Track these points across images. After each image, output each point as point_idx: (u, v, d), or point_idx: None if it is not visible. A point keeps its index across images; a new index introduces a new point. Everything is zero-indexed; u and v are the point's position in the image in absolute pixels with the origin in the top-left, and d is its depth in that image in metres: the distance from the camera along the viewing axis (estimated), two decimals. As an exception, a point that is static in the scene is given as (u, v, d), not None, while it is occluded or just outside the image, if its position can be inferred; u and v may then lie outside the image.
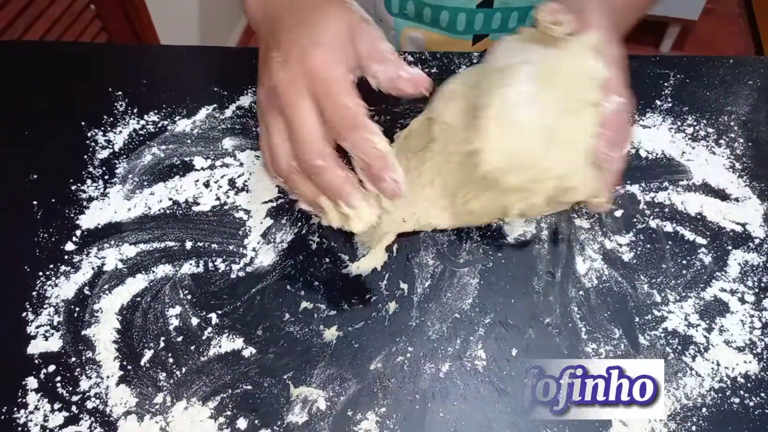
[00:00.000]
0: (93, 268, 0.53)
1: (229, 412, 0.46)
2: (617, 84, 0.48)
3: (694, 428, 0.45)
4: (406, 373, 0.48)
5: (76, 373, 0.47)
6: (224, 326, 0.50)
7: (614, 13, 0.52)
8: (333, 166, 0.43)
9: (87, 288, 0.52)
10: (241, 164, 0.60)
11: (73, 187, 0.59)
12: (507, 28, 0.75)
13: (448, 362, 0.48)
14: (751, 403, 0.46)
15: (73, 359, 0.48)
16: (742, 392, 0.47)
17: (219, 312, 0.51)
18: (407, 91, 0.45)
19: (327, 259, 0.54)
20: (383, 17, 0.78)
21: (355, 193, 0.44)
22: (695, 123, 0.64)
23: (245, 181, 0.59)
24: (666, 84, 0.68)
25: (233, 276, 0.53)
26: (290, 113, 0.43)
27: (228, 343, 0.49)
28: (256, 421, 0.45)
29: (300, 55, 0.43)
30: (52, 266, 0.53)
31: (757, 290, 0.52)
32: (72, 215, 0.57)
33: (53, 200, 0.58)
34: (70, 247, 0.54)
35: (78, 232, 0.55)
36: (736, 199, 0.58)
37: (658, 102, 0.66)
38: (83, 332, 0.49)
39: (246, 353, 0.48)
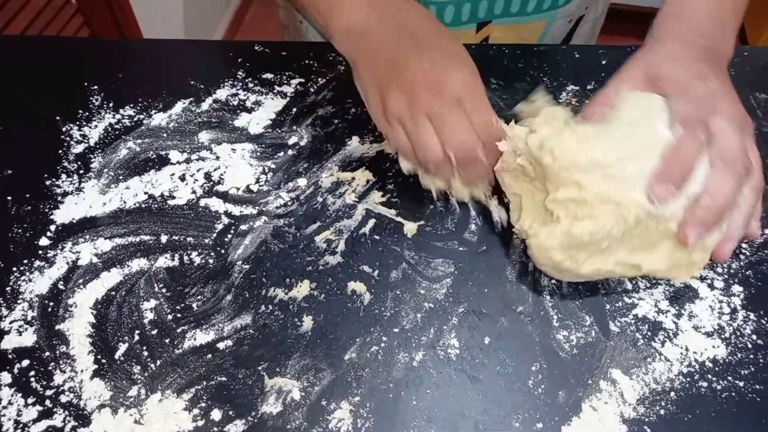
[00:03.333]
0: (67, 263, 0.53)
1: (203, 404, 0.46)
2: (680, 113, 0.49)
3: (662, 412, 0.46)
4: (380, 363, 0.48)
5: (50, 368, 0.47)
6: (199, 319, 0.50)
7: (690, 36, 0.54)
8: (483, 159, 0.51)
9: (61, 283, 0.52)
10: (218, 157, 0.61)
11: (48, 182, 0.59)
12: (509, 12, 0.75)
13: (421, 351, 0.49)
14: (719, 387, 0.47)
15: (47, 354, 0.48)
16: (710, 376, 0.48)
17: (194, 305, 0.51)
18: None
19: (303, 252, 0.54)
20: None
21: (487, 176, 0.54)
22: (668, 112, 0.64)
23: (221, 174, 0.59)
24: (640, 74, 0.68)
25: (209, 269, 0.53)
26: (446, 114, 0.49)
27: (203, 336, 0.49)
28: (231, 412, 0.45)
29: (444, 75, 0.49)
30: (26, 261, 0.53)
31: (726, 276, 0.53)
32: (46, 210, 0.57)
33: (27, 195, 0.57)
34: (44, 242, 0.54)
35: (52, 227, 0.55)
36: (708, 187, 0.58)
37: (632, 92, 0.67)
38: (57, 327, 0.49)
39: (221, 345, 0.49)
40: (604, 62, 0.70)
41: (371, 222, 0.56)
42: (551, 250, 0.48)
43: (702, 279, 0.53)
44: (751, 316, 0.51)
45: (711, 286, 0.52)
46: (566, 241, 0.48)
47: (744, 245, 0.55)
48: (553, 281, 0.52)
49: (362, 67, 0.52)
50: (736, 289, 0.52)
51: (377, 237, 0.55)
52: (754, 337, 0.50)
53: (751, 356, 0.49)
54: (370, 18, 0.53)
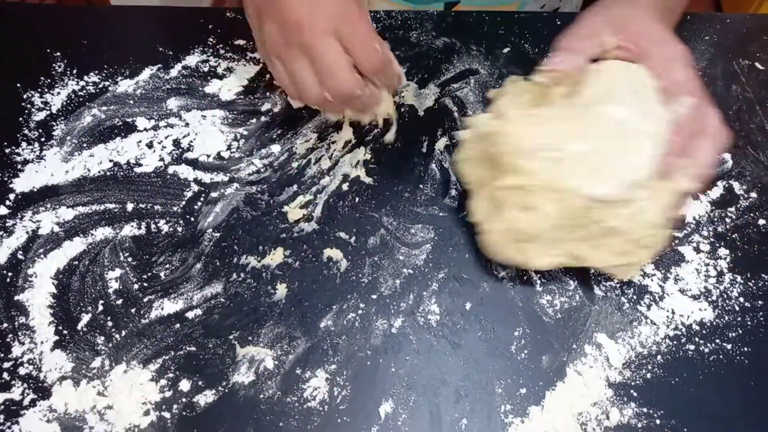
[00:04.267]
0: (27, 232, 0.50)
1: (171, 375, 0.44)
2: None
3: (648, 375, 0.44)
4: (358, 330, 0.46)
5: (8, 339, 0.45)
6: (167, 288, 0.48)
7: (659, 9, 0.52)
8: (365, 91, 0.49)
9: (21, 252, 0.49)
10: (187, 124, 0.58)
11: (7, 150, 0.55)
12: None
13: (400, 318, 0.47)
14: (706, 350, 0.46)
15: (5, 325, 0.45)
16: (696, 339, 0.46)
17: (162, 274, 0.48)
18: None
19: (276, 219, 0.52)
20: None
21: (381, 100, 0.53)
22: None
23: (191, 141, 0.57)
24: (623, 40, 0.67)
25: (177, 237, 0.51)
26: (319, 50, 0.46)
27: (171, 305, 0.47)
28: (200, 383, 0.43)
29: (318, 4, 0.46)
30: (-18, 231, 0.50)
31: (712, 239, 0.52)
32: (5, 179, 0.54)
33: (-15, 164, 0.54)
34: (3, 211, 0.51)
35: (12, 196, 0.52)
36: (692, 151, 0.57)
37: (615, 57, 0.65)
38: (16, 297, 0.47)
39: (190, 315, 0.46)
40: (586, 29, 0.69)
41: (347, 188, 0.54)
42: (502, 246, 0.46)
43: (688, 242, 0.51)
44: (738, 278, 0.49)
45: (697, 249, 0.51)
46: (514, 236, 0.45)
47: (730, 208, 0.53)
48: (536, 246, 0.50)
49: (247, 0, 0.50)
50: (723, 252, 0.51)
51: (354, 203, 0.53)
52: (741, 299, 0.48)
53: (739, 319, 0.47)
54: None
